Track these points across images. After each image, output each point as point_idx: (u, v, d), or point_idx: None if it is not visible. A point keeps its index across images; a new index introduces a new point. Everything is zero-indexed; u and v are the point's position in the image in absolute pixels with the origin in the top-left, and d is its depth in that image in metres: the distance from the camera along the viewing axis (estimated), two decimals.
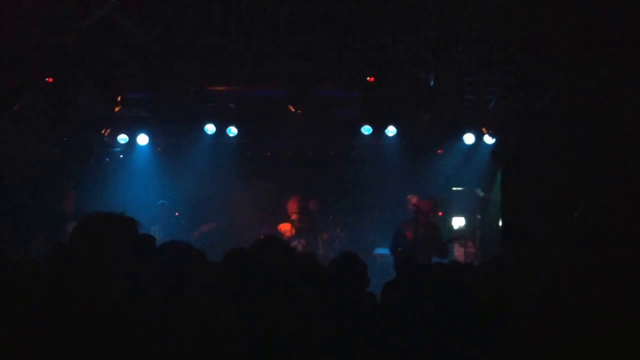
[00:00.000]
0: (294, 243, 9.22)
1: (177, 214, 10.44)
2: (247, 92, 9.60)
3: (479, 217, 10.57)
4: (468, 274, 3.92)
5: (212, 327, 2.72)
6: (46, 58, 7.93)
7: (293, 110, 8.86)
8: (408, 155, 10.38)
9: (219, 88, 9.35)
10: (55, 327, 2.44)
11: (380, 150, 10.33)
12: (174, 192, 10.56)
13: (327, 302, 3.50)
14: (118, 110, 8.97)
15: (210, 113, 10.08)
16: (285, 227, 9.69)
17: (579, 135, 7.63)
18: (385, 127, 9.81)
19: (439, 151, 10.63)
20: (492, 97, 9.22)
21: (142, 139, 10.45)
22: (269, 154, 11.29)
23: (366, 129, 9.80)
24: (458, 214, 10.76)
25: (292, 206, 9.84)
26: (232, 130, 10.25)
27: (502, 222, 9.28)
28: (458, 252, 10.11)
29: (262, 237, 3.59)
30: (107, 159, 11.03)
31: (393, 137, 9.96)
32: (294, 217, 9.79)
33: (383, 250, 9.46)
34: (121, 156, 11.06)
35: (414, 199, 8.91)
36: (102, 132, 10.49)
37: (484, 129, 9.78)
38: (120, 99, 8.83)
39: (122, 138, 10.49)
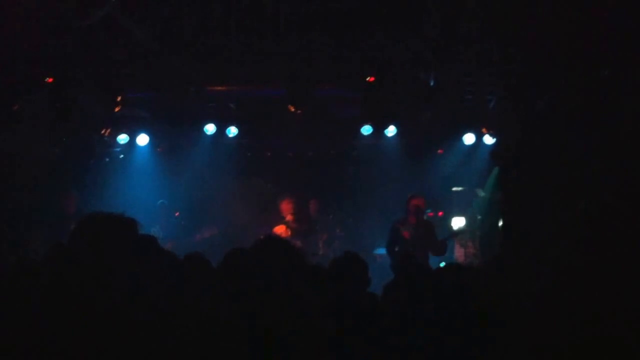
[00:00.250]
0: None
1: (177, 214, 10.44)
2: (247, 92, 9.59)
3: (479, 217, 10.57)
4: (468, 274, 3.92)
5: (212, 327, 2.72)
6: (46, 58, 7.93)
7: (293, 110, 8.86)
8: (408, 155, 10.37)
9: (219, 88, 9.35)
10: (55, 327, 2.44)
11: (380, 150, 10.32)
12: (174, 192, 10.55)
13: (328, 302, 3.50)
14: (118, 110, 8.97)
15: (210, 113, 10.07)
16: (280, 230, 9.67)
17: (579, 135, 7.63)
18: (385, 127, 9.80)
19: (439, 151, 10.62)
20: (492, 97, 9.22)
21: (142, 139, 10.44)
22: (269, 154, 11.29)
23: (366, 129, 9.80)
24: (458, 214, 10.75)
25: (286, 207, 9.83)
26: (232, 130, 10.25)
27: (502, 222, 9.28)
28: (458, 252, 10.11)
29: (262, 237, 3.58)
30: (107, 159, 11.02)
31: (393, 137, 9.96)
32: (288, 218, 9.79)
33: (383, 251, 9.46)
34: (121, 156, 11.04)
35: (415, 200, 8.90)
36: (102, 132, 10.48)
37: (484, 129, 9.77)
38: (120, 99, 8.83)
39: (122, 138, 10.48)
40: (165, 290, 2.92)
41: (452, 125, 9.97)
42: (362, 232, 10.53)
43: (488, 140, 9.81)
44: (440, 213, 10.59)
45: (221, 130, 10.20)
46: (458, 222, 10.70)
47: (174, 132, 10.51)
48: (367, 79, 8.45)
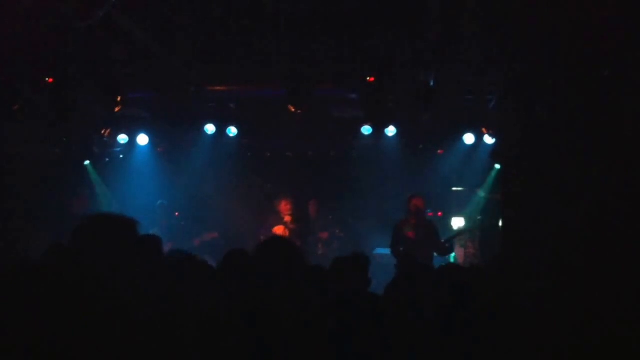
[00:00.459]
0: None
1: (177, 214, 10.44)
2: (247, 92, 9.59)
3: (478, 217, 10.57)
4: (468, 274, 3.92)
5: (212, 327, 2.72)
6: (46, 58, 7.93)
7: (293, 110, 8.86)
8: (408, 156, 10.38)
9: (219, 88, 9.35)
10: (55, 327, 2.44)
11: (380, 150, 10.32)
12: (174, 192, 10.56)
13: (328, 302, 3.50)
14: (118, 110, 8.97)
15: (210, 113, 10.08)
16: (278, 230, 9.71)
17: (579, 135, 7.63)
18: (385, 127, 9.80)
19: (439, 151, 10.63)
20: (492, 97, 9.22)
21: (142, 139, 10.45)
22: (269, 154, 11.29)
23: (366, 129, 9.81)
24: (458, 214, 10.76)
25: (285, 208, 9.88)
26: (232, 130, 10.26)
27: (502, 222, 9.28)
28: (458, 252, 10.11)
29: (266, 238, 3.60)
30: (107, 159, 11.03)
31: (393, 137, 9.96)
32: (286, 218, 9.82)
33: (383, 250, 9.47)
34: (121, 156, 11.05)
35: (414, 200, 8.90)
36: (102, 132, 10.49)
37: (484, 129, 9.78)
38: (120, 99, 8.83)
39: (122, 138, 10.50)
40: (165, 290, 2.92)
41: (452, 125, 9.98)
42: (362, 232, 10.53)
43: (488, 140, 9.81)
44: (439, 213, 10.59)
45: (221, 130, 10.21)
46: (458, 222, 10.71)
47: (174, 132, 10.52)
48: (367, 79, 8.45)
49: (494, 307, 3.19)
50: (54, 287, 2.56)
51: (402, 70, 8.31)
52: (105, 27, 6.92)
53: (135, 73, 8.70)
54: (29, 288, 2.56)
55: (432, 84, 8.44)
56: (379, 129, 9.78)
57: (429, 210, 9.73)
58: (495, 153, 9.69)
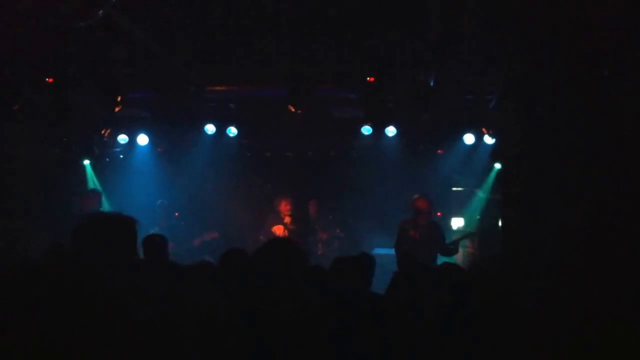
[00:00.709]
0: None
1: (177, 214, 10.44)
2: (247, 92, 9.59)
3: (478, 217, 10.57)
4: (468, 273, 3.92)
5: (212, 327, 2.72)
6: (46, 58, 7.93)
7: (293, 110, 8.86)
8: (408, 156, 10.38)
9: (219, 88, 9.35)
10: (55, 327, 2.44)
11: (380, 150, 10.32)
12: (174, 192, 10.56)
13: (328, 302, 3.50)
14: (118, 110, 8.97)
15: (210, 113, 10.08)
16: (277, 230, 9.72)
17: (579, 135, 7.63)
18: (385, 127, 9.80)
19: (439, 151, 10.62)
20: (492, 97, 9.21)
21: (142, 139, 10.45)
22: (269, 154, 11.29)
23: (366, 129, 9.80)
24: (458, 215, 10.75)
25: (285, 208, 9.89)
26: (232, 130, 10.26)
27: (502, 222, 9.28)
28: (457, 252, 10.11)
29: (266, 238, 3.61)
30: (107, 159, 11.03)
31: (393, 137, 9.96)
32: (286, 219, 9.84)
33: (383, 250, 9.46)
34: (121, 156, 11.05)
35: (420, 201, 8.88)
36: (102, 132, 10.49)
37: (484, 129, 9.77)
38: (120, 99, 8.83)
39: (122, 138, 10.49)
40: (165, 290, 2.92)
41: (452, 125, 9.97)
42: (362, 232, 10.52)
43: (488, 140, 9.81)
44: (439, 213, 10.58)
45: (221, 130, 10.21)
46: (457, 222, 10.71)
47: (174, 132, 10.51)
48: (367, 79, 8.45)
49: (494, 307, 3.18)
50: (54, 287, 2.56)
51: (402, 70, 8.31)
52: (105, 27, 6.92)
53: (135, 73, 8.70)
54: (29, 288, 2.56)
55: (432, 84, 8.44)
56: (379, 129, 9.78)
57: (437, 212, 9.70)
58: (495, 153, 9.69)
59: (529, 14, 6.57)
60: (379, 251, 9.77)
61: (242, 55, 8.15)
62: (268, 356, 2.88)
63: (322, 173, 10.96)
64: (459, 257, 9.92)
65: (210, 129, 10.15)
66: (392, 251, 8.79)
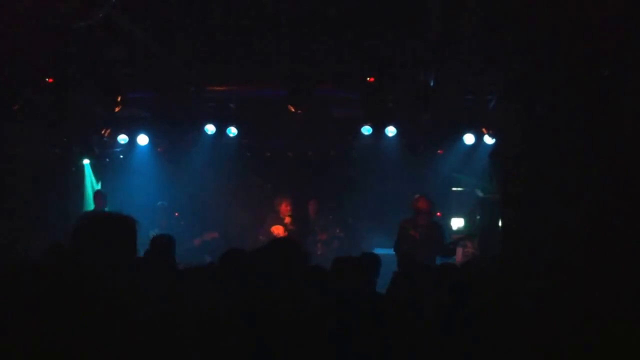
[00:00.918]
0: None
1: (177, 214, 10.45)
2: (247, 92, 9.59)
3: (478, 217, 10.57)
4: (468, 273, 3.92)
5: (212, 327, 2.72)
6: (46, 58, 7.93)
7: (293, 110, 8.85)
8: (408, 156, 10.37)
9: (219, 88, 9.35)
10: (55, 327, 2.44)
11: (380, 150, 10.32)
12: (174, 192, 10.57)
13: (328, 302, 3.50)
14: (118, 110, 8.97)
15: (210, 113, 10.08)
16: (276, 230, 9.72)
17: (579, 135, 7.62)
18: (385, 127, 9.80)
19: (439, 151, 10.62)
20: (492, 97, 9.21)
21: (142, 139, 10.45)
22: (269, 154, 11.29)
23: (366, 129, 9.80)
24: (457, 215, 10.75)
25: (284, 208, 9.91)
26: (232, 130, 10.26)
27: (502, 222, 9.27)
28: (457, 252, 10.10)
29: (265, 238, 3.61)
30: (107, 159, 11.04)
31: (393, 137, 9.96)
32: (286, 220, 9.85)
33: (383, 250, 9.45)
34: (121, 156, 11.06)
35: (421, 201, 8.87)
36: (102, 132, 10.49)
37: (484, 129, 9.77)
38: (120, 99, 8.83)
39: (122, 138, 10.49)
40: (165, 290, 2.92)
41: (452, 125, 9.97)
42: (362, 232, 10.52)
43: (488, 140, 9.80)
44: (439, 213, 10.58)
45: (221, 130, 10.21)
46: (457, 223, 10.70)
47: (174, 132, 10.52)
48: (367, 79, 8.45)
49: (494, 307, 3.19)
50: (54, 287, 2.56)
51: (402, 70, 8.31)
52: (105, 27, 6.92)
53: (135, 73, 8.70)
54: (29, 288, 2.56)
55: (432, 84, 8.44)
56: (379, 129, 9.78)
57: (437, 212, 9.69)
58: (495, 153, 9.68)
59: (529, 14, 6.57)
60: (379, 251, 9.76)
61: (242, 55, 8.15)
62: (268, 356, 2.88)
63: (322, 173, 10.96)
64: (458, 257, 9.92)
65: (210, 129, 10.15)
66: (392, 251, 8.79)
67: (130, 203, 9.54)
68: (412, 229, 8.73)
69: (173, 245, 6.07)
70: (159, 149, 10.98)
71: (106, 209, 9.35)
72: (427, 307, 3.64)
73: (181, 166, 10.69)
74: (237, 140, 10.54)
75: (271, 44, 7.75)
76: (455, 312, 3.36)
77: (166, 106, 9.78)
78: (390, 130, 9.84)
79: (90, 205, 10.22)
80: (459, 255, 10.04)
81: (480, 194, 10.56)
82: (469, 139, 9.95)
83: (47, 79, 8.42)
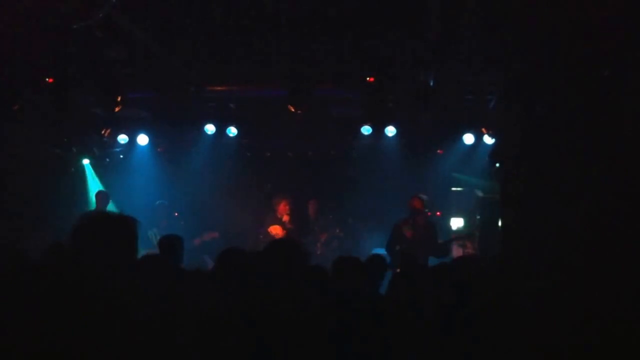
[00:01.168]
0: None
1: (176, 214, 10.44)
2: (247, 92, 9.59)
3: (478, 217, 10.57)
4: (468, 273, 3.92)
5: (212, 327, 2.72)
6: (46, 58, 7.92)
7: (293, 110, 8.85)
8: (408, 156, 10.38)
9: (219, 88, 9.35)
10: (55, 327, 2.44)
11: (380, 150, 10.33)
12: (174, 192, 10.56)
13: (328, 302, 3.50)
14: (118, 110, 8.96)
15: (210, 113, 10.08)
16: (275, 230, 9.72)
17: (579, 135, 7.62)
18: (385, 127, 9.81)
19: (438, 151, 10.63)
20: (492, 97, 9.21)
21: (142, 139, 10.46)
22: (269, 154, 11.30)
23: (366, 129, 9.80)
24: (457, 215, 10.75)
25: (283, 208, 9.91)
26: (232, 130, 10.26)
27: (502, 222, 9.27)
28: (456, 252, 10.09)
29: (265, 238, 3.61)
30: (107, 159, 11.04)
31: (393, 137, 9.96)
32: (284, 219, 9.84)
33: (382, 251, 9.45)
34: (121, 156, 11.06)
35: (413, 201, 8.88)
36: (102, 132, 10.49)
37: (484, 129, 9.77)
38: (120, 99, 8.83)
39: (122, 138, 10.50)
40: (165, 290, 2.92)
41: (452, 125, 9.98)
42: (362, 232, 10.53)
43: (488, 140, 9.80)
44: (438, 213, 10.58)
45: (221, 130, 10.21)
46: (457, 222, 10.70)
47: (174, 132, 10.52)
48: (367, 79, 8.45)
49: (494, 307, 3.19)
50: (54, 287, 2.56)
51: (402, 70, 8.31)
52: (105, 27, 6.91)
53: (135, 73, 8.70)
54: (29, 288, 2.56)
55: (432, 84, 8.44)
56: (379, 129, 9.79)
57: (426, 211, 9.71)
58: (495, 153, 9.68)
59: (529, 14, 6.56)
60: (378, 251, 9.78)
61: (242, 55, 8.15)
62: (268, 356, 2.88)
63: (322, 173, 10.97)
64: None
65: (210, 129, 10.16)
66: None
67: (130, 203, 9.55)
68: (408, 228, 8.74)
69: (181, 245, 6.08)
70: (159, 149, 10.98)
71: (106, 209, 9.35)
72: (427, 307, 3.63)
73: (181, 166, 10.69)
74: (237, 140, 10.54)
75: (271, 44, 7.75)
76: (455, 312, 3.36)
77: (166, 106, 9.78)
78: (390, 130, 9.85)
79: (91, 205, 10.23)
80: (459, 255, 10.03)
81: (480, 194, 10.55)
82: (468, 139, 9.95)
83: (47, 79, 8.42)
